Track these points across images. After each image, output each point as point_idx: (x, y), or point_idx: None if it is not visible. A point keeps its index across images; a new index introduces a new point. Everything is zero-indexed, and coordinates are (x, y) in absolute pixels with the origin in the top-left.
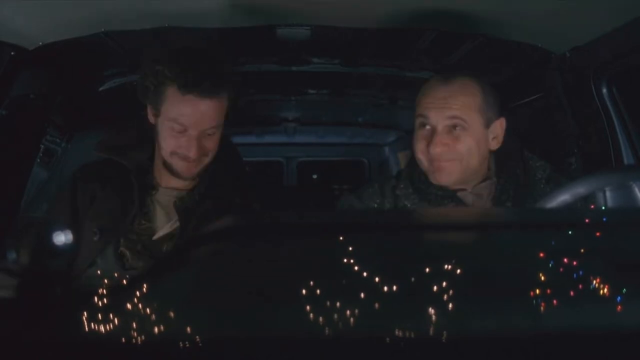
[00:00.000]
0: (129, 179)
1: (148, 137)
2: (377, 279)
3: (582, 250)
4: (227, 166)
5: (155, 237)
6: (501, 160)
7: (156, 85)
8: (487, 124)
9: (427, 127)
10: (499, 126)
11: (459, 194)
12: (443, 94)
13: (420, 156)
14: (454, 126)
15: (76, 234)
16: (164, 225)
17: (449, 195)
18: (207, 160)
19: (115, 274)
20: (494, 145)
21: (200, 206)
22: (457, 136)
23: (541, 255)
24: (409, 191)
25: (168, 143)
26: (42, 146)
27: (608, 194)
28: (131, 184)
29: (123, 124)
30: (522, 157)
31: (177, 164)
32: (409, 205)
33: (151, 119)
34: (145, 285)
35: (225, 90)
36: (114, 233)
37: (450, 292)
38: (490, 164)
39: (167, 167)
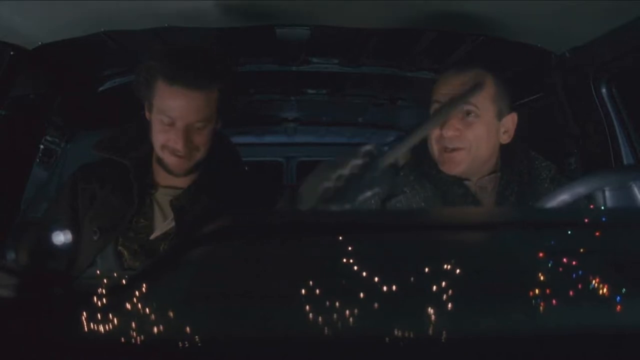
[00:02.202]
0: (128, 178)
1: (147, 137)
2: (377, 279)
3: (582, 250)
4: (225, 165)
5: (152, 237)
6: (506, 157)
7: (148, 79)
8: (499, 116)
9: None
10: (511, 120)
11: (465, 182)
12: (459, 82)
13: (433, 143)
14: (468, 112)
15: (76, 234)
16: (161, 224)
17: (455, 182)
18: (198, 156)
19: (115, 274)
20: (505, 139)
21: (196, 204)
22: (470, 123)
23: (541, 255)
24: (416, 181)
25: (158, 137)
26: (42, 146)
27: (608, 194)
28: (130, 183)
29: (123, 123)
30: (527, 156)
31: (168, 159)
32: (419, 193)
33: (147, 115)
34: (144, 285)
35: (214, 83)
36: (114, 232)
37: (450, 292)
38: (498, 159)
39: (160, 162)
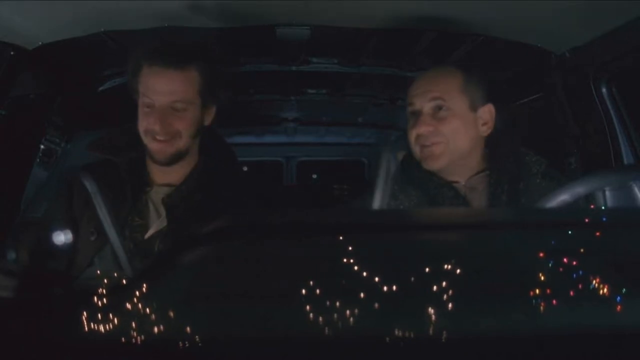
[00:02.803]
0: (123, 177)
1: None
2: (377, 279)
3: (582, 250)
4: (218, 162)
5: (147, 235)
6: (494, 154)
7: (134, 68)
8: (473, 107)
9: (415, 113)
10: (488, 112)
11: (453, 185)
12: (425, 79)
13: (412, 143)
14: (438, 108)
15: (74, 235)
16: (156, 222)
17: (444, 184)
18: (181, 143)
19: (115, 274)
20: (485, 131)
21: (188, 201)
22: (442, 118)
23: (541, 255)
24: (407, 185)
25: (142, 123)
26: (42, 146)
27: (608, 194)
28: (125, 182)
29: (123, 123)
30: (515, 152)
31: (150, 145)
32: (410, 197)
33: None
34: (144, 285)
35: (190, 62)
36: (111, 232)
37: (450, 292)
38: (485, 157)
39: (147, 153)
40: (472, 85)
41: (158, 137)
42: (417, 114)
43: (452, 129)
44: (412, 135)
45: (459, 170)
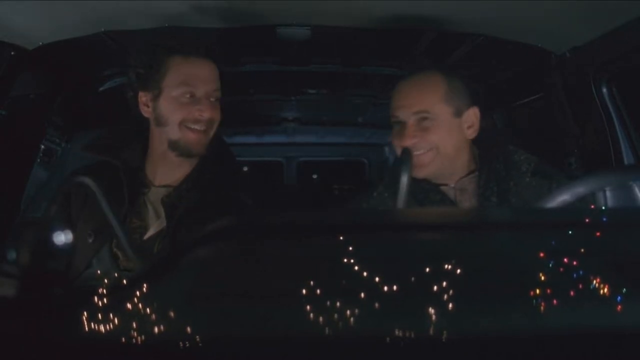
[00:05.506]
0: (120, 178)
1: (139, 136)
2: (377, 279)
3: (582, 250)
4: (217, 161)
5: (146, 237)
6: (483, 155)
7: (159, 61)
8: (458, 113)
9: (400, 124)
10: (473, 115)
11: (442, 188)
12: (407, 90)
13: (399, 152)
14: (422, 119)
15: (72, 238)
16: (155, 223)
17: (432, 188)
18: (211, 133)
19: (115, 275)
20: (471, 134)
21: (187, 201)
22: (427, 128)
23: (541, 255)
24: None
25: (177, 115)
26: (42, 146)
27: (608, 194)
28: (121, 183)
29: (123, 123)
30: (503, 151)
31: (187, 136)
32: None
33: (145, 111)
34: (145, 286)
35: (209, 55)
36: (108, 234)
37: (450, 292)
38: (475, 158)
39: (176, 147)
40: (455, 92)
41: (198, 127)
42: (401, 126)
43: (438, 138)
44: (398, 146)
45: (447, 174)
